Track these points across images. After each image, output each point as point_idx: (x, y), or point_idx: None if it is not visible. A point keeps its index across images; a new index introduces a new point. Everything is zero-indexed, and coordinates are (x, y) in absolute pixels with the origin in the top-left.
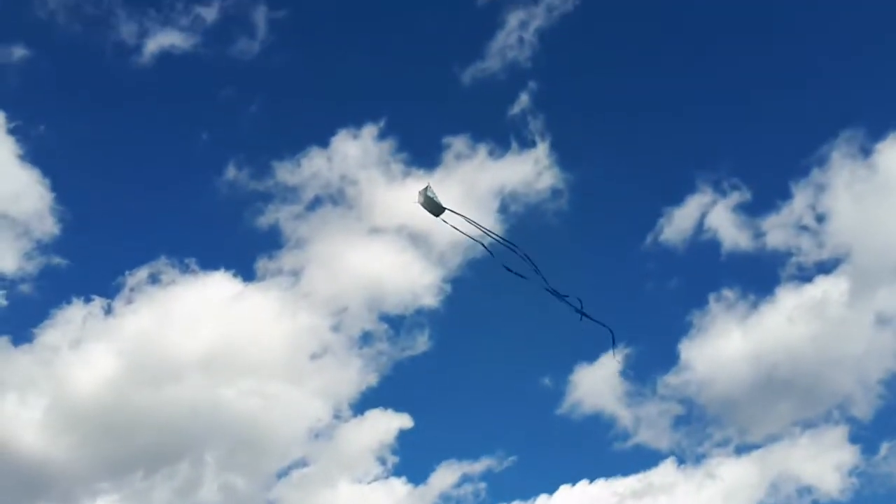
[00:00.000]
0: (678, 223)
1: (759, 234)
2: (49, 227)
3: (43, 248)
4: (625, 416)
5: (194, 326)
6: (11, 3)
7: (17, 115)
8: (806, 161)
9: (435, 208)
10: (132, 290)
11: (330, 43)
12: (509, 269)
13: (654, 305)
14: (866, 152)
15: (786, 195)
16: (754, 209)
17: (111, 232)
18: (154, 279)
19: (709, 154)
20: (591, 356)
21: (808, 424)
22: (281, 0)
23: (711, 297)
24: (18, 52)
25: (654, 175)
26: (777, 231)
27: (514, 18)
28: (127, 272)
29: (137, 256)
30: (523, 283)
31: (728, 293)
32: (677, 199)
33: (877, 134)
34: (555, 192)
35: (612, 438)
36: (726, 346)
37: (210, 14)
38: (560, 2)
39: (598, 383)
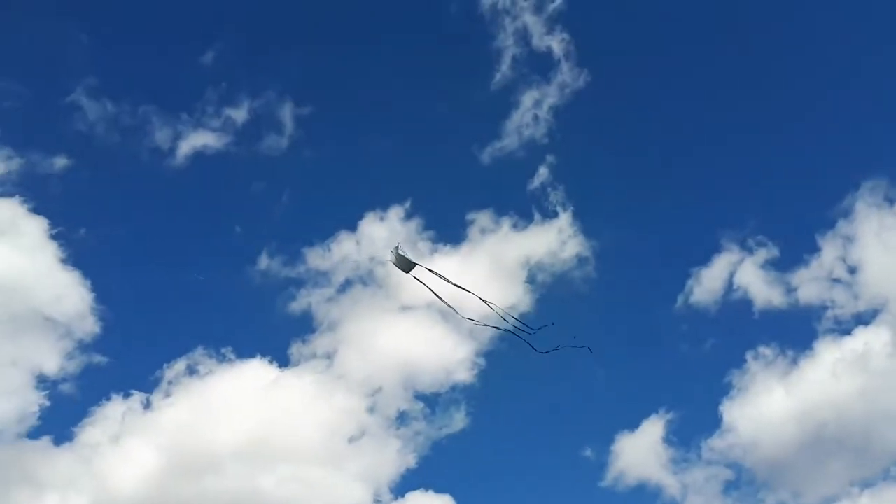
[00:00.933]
0: (707, 283)
1: (790, 290)
2: (90, 326)
3: (84, 347)
4: (671, 484)
5: (232, 415)
6: (54, 117)
7: (59, 222)
8: (831, 213)
9: (406, 265)
10: (170, 382)
11: (353, 132)
12: (473, 321)
13: (692, 368)
14: (891, 200)
15: (813, 249)
16: (783, 265)
17: (150, 327)
18: (192, 370)
19: (732, 212)
20: (633, 423)
21: (866, 484)
22: (306, 97)
23: (749, 355)
24: (60, 161)
25: (678, 237)
26: (809, 285)
27: (528, 98)
28: (165, 365)
29: (175, 349)
30: (556, 354)
31: (765, 350)
32: (704, 259)
33: None
34: (581, 260)
35: None
36: (769, 405)
37: (240, 115)
38: (571, 79)
39: (641, 451)
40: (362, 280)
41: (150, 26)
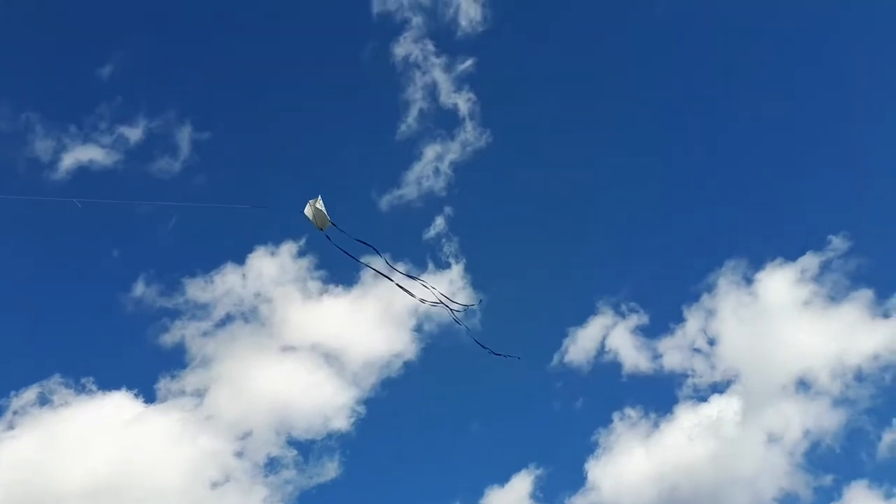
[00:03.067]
0: (582, 343)
1: (656, 356)
2: None
3: None
4: None
5: (86, 452)
6: None
7: None
8: (697, 287)
9: (322, 221)
10: (16, 412)
11: (251, 164)
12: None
13: (562, 425)
14: (748, 280)
15: (679, 319)
16: (651, 331)
17: (1, 350)
18: (44, 400)
19: (609, 277)
20: (503, 478)
21: None
22: (205, 122)
23: (615, 415)
24: None
25: (559, 296)
26: (673, 352)
27: (430, 151)
28: (13, 392)
29: (27, 375)
30: (435, 405)
31: (631, 412)
32: (581, 319)
33: (757, 263)
34: (468, 313)
35: None
36: (631, 465)
37: (134, 134)
38: (473, 138)
39: None
40: (244, 316)
41: (47, 27)
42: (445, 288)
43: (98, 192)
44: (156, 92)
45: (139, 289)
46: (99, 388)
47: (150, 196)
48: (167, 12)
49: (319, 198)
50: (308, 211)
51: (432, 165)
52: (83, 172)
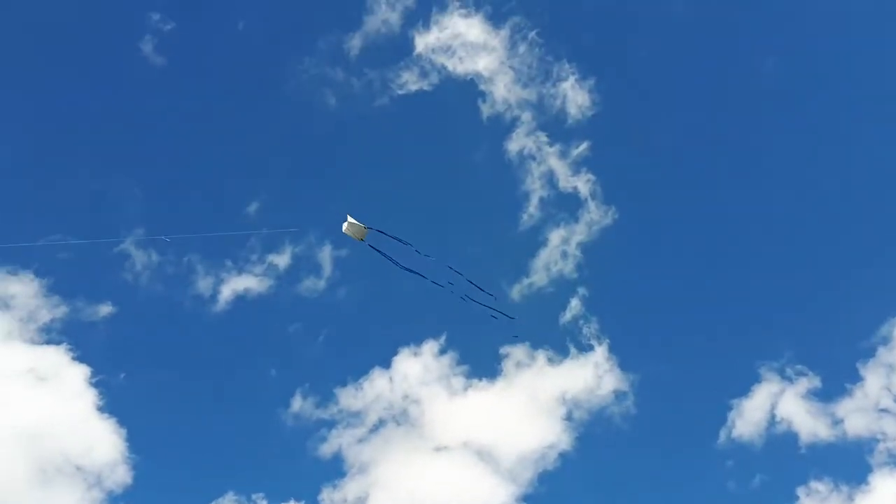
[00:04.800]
0: (749, 416)
1: (836, 421)
2: (121, 476)
3: (114, 498)
4: None
5: None
6: (101, 268)
7: (100, 369)
8: (869, 341)
9: (359, 232)
10: None
11: (387, 271)
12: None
13: None
14: None
15: (855, 378)
16: (825, 395)
17: (181, 474)
18: None
19: (769, 341)
20: None
21: None
22: (343, 239)
23: (801, 491)
24: (105, 309)
25: (716, 367)
26: (855, 416)
27: (555, 236)
28: None
29: (206, 496)
30: (598, 495)
31: (818, 486)
32: (744, 390)
33: None
34: (618, 395)
35: None
36: None
37: (282, 260)
38: (598, 217)
39: None
40: (395, 419)
41: (198, 179)
42: (592, 371)
43: (255, 316)
44: (296, 219)
45: (297, 403)
46: (269, 503)
47: (300, 314)
48: (293, 148)
49: (348, 216)
50: (346, 228)
51: (559, 250)
52: (240, 300)
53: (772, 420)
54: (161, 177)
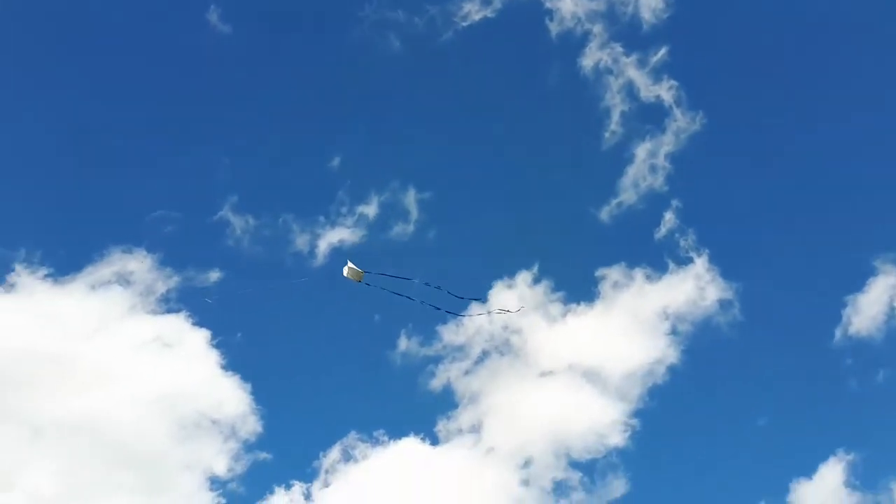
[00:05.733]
0: (866, 310)
1: None
2: (252, 426)
3: (249, 447)
4: None
5: (389, 498)
6: (205, 237)
7: (218, 332)
8: None
9: (357, 276)
10: (327, 471)
11: (473, 208)
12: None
13: (867, 403)
14: None
15: None
16: None
17: (305, 419)
18: (347, 456)
19: (882, 230)
20: (808, 470)
21: None
22: (425, 182)
23: None
24: (214, 275)
25: (825, 264)
26: None
27: (642, 151)
28: (321, 454)
29: (330, 436)
30: (711, 405)
31: None
32: (858, 285)
33: None
34: (723, 304)
35: None
36: None
37: (370, 210)
38: (686, 124)
39: (821, 499)
40: (498, 350)
41: (281, 140)
42: (693, 284)
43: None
44: (378, 169)
45: (403, 343)
46: (390, 438)
47: (394, 260)
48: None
49: (348, 261)
50: (346, 272)
51: (647, 164)
52: (336, 252)
53: (891, 313)
54: (244, 142)
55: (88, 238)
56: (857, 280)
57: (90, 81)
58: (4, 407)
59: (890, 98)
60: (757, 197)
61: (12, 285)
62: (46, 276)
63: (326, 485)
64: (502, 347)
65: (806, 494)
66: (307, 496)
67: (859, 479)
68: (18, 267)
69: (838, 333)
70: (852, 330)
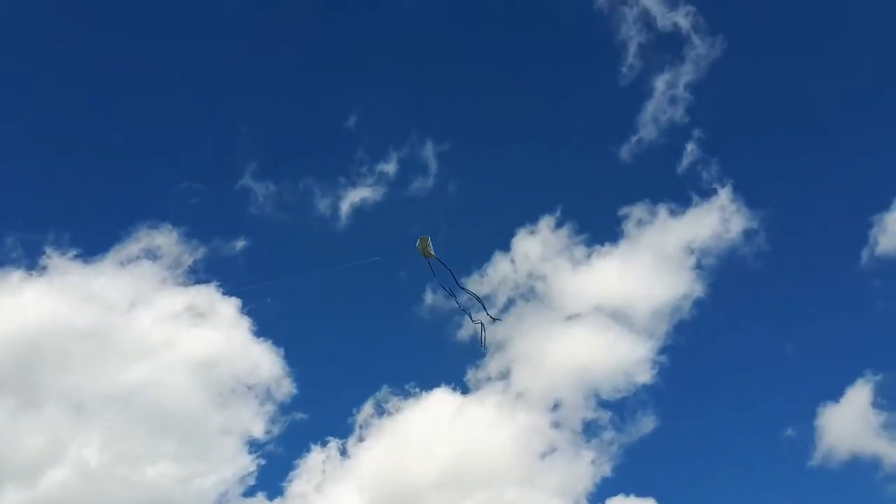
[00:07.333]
0: (893, 229)
1: None
2: (287, 388)
3: (285, 408)
4: (891, 453)
5: (425, 448)
6: (228, 206)
7: (249, 299)
8: None
9: (427, 254)
10: (362, 426)
11: (490, 155)
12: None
13: (893, 323)
14: None
15: None
16: None
17: (337, 377)
18: (380, 410)
19: None
20: (835, 394)
21: None
22: (442, 133)
23: None
24: (240, 244)
25: (851, 186)
26: None
27: (661, 83)
28: (355, 410)
29: (363, 392)
30: (739, 336)
31: None
32: (884, 204)
33: None
34: (748, 234)
35: (883, 481)
36: None
37: (390, 168)
38: (706, 51)
39: (849, 422)
40: (524, 297)
41: (296, 104)
42: (717, 216)
43: (374, 224)
44: (393, 124)
45: (429, 297)
46: (422, 390)
47: (416, 215)
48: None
49: (428, 238)
50: (420, 245)
51: (667, 96)
52: (358, 212)
53: None
54: (259, 107)
55: (114, 216)
56: (884, 199)
57: (105, 60)
58: (46, 386)
59: None
60: (779, 123)
61: (44, 268)
62: (76, 256)
63: (361, 440)
64: (527, 294)
65: (834, 419)
66: (343, 452)
67: (887, 398)
68: (48, 250)
69: (865, 255)
70: (879, 251)
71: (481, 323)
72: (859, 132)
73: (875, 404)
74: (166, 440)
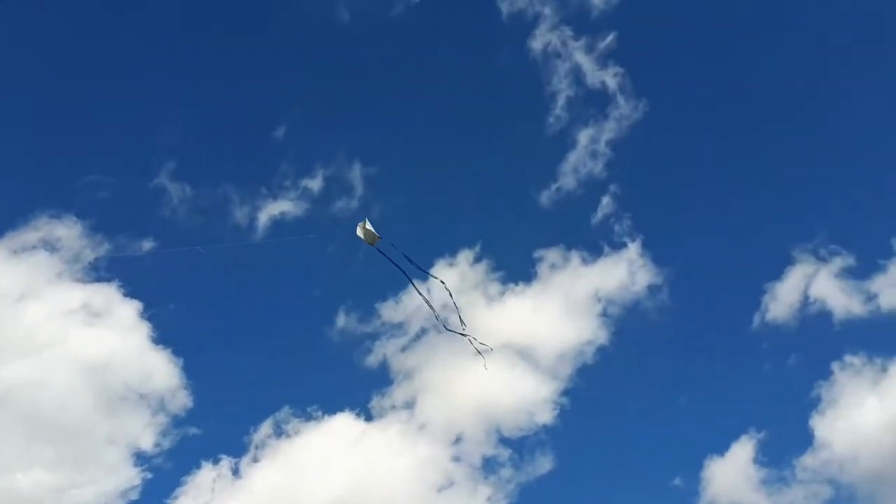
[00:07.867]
0: (783, 298)
1: (870, 297)
2: (182, 400)
3: (178, 421)
4: None
5: (321, 473)
6: (140, 205)
7: (151, 303)
8: None
9: (371, 238)
10: (258, 446)
11: (417, 185)
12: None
13: (776, 386)
14: None
15: (889, 253)
16: (860, 272)
17: (237, 394)
18: (279, 431)
19: (801, 223)
20: (721, 447)
21: None
22: (372, 158)
23: (835, 366)
24: (147, 244)
25: (749, 253)
26: (890, 291)
27: (584, 136)
28: (252, 429)
29: (262, 411)
30: (636, 385)
31: (853, 360)
32: (776, 273)
33: None
34: (652, 289)
35: None
36: (862, 416)
37: (315, 184)
38: (629, 111)
39: (732, 475)
40: (436, 328)
41: (224, 108)
42: (625, 268)
43: (292, 243)
44: (324, 142)
45: (341, 320)
46: (324, 414)
47: (337, 235)
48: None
49: (366, 219)
50: (359, 231)
51: (588, 150)
52: (278, 225)
53: (805, 301)
54: (184, 108)
55: (11, 202)
56: (776, 269)
57: (21, 39)
58: None
59: (814, 104)
60: (689, 187)
61: None
62: None
63: (256, 460)
64: (440, 325)
65: (718, 471)
66: (235, 471)
67: (767, 456)
68: None
69: (756, 319)
70: (769, 316)
71: (443, 281)
72: (760, 206)
73: (756, 460)
74: (45, 445)
